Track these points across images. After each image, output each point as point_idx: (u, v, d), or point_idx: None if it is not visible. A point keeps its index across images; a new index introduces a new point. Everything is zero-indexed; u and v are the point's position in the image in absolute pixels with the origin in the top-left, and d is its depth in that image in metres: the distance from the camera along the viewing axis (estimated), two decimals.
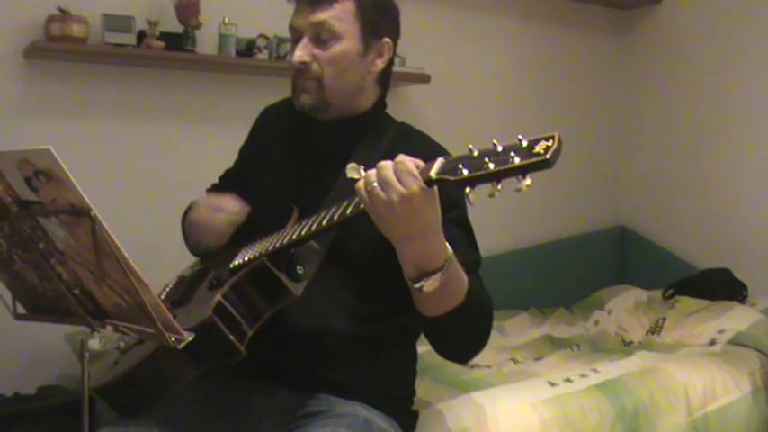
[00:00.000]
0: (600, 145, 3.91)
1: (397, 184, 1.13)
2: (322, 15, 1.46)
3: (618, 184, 3.99)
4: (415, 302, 1.30)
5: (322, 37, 1.47)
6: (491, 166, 1.04)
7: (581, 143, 3.74)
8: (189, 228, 1.67)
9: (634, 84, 3.91)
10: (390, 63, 1.58)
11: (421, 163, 1.15)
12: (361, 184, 1.18)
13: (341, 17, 1.47)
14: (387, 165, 1.15)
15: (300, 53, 1.48)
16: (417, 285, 1.21)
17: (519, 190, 1.03)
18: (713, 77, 3.55)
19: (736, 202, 3.48)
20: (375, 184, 1.15)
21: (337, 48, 1.47)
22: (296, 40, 1.51)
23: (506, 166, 1.03)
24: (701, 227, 3.60)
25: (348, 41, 1.48)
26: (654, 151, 3.84)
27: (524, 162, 1.02)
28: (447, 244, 1.22)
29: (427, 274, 1.20)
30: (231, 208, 1.58)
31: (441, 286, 1.21)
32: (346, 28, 1.47)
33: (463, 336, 1.41)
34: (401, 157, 1.15)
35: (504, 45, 3.57)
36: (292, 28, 1.52)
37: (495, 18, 3.53)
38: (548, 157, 1.00)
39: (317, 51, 1.48)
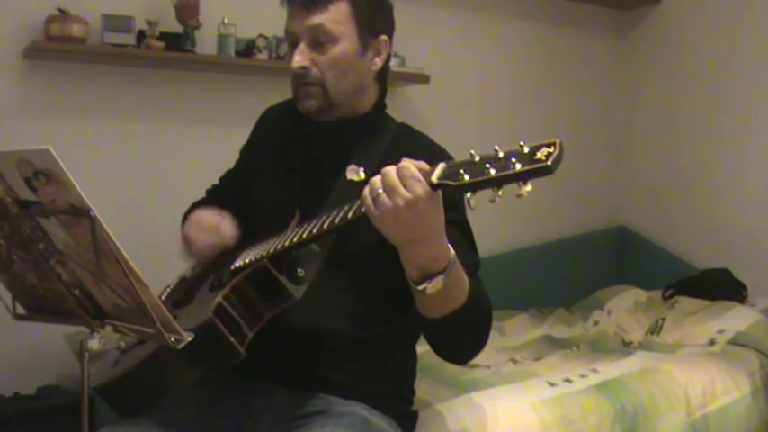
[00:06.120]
0: (600, 145, 3.91)
1: (402, 189, 1.13)
2: (317, 19, 1.45)
3: (618, 184, 3.98)
4: (417, 305, 1.30)
5: (320, 40, 1.46)
6: (492, 171, 1.04)
7: (581, 143, 3.73)
8: (182, 237, 1.65)
9: (634, 83, 3.91)
10: (388, 60, 1.57)
11: (424, 165, 1.15)
12: (366, 191, 1.17)
13: (337, 19, 1.45)
14: (390, 170, 1.15)
15: (299, 58, 1.47)
16: (421, 287, 1.21)
17: (520, 196, 1.03)
18: (713, 77, 3.54)
19: (735, 202, 3.48)
20: (380, 191, 1.15)
21: (335, 50, 1.46)
22: (292, 44, 1.50)
23: (507, 172, 1.03)
24: (700, 227, 3.60)
25: (345, 43, 1.47)
26: (654, 151, 3.84)
27: (525, 168, 1.01)
28: (449, 246, 1.22)
29: (430, 276, 1.21)
30: (224, 231, 1.55)
31: (443, 288, 1.21)
32: (343, 30, 1.46)
33: (464, 337, 1.41)
34: (404, 162, 1.15)
35: (503, 45, 3.56)
36: (288, 32, 1.50)
37: (494, 18, 3.53)
38: (549, 163, 1.00)
39: (315, 56, 1.47)
